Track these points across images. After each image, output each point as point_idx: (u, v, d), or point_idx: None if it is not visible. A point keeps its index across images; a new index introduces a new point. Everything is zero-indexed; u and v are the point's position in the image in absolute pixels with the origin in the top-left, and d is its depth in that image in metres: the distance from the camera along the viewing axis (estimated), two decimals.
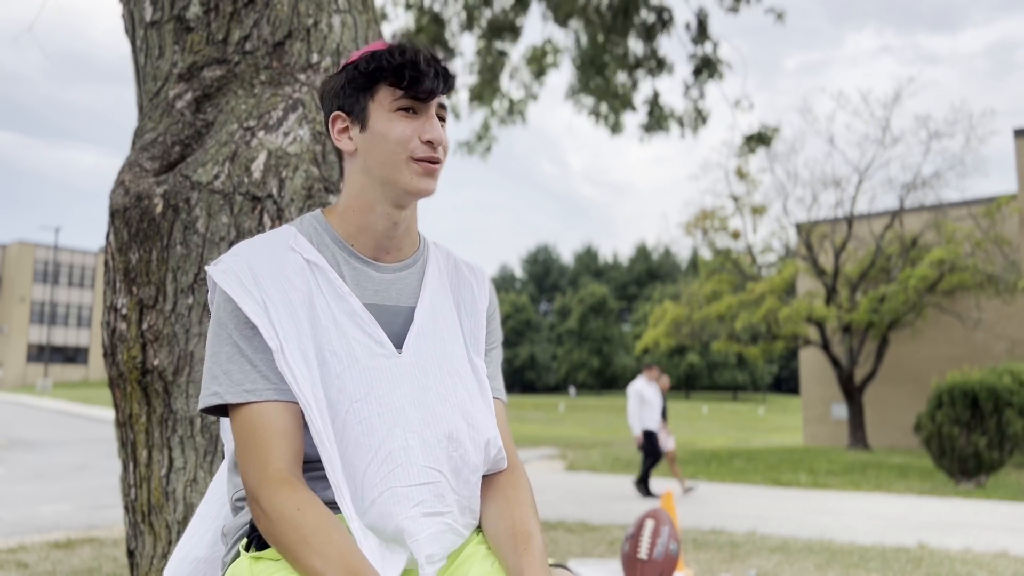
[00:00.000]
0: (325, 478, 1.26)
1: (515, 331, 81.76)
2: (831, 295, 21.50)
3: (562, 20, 8.76)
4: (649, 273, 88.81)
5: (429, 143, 1.30)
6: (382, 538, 1.24)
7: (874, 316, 20.48)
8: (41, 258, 57.16)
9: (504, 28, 9.05)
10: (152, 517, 2.25)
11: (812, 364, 25.41)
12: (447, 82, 1.31)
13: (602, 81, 8.93)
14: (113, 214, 2.28)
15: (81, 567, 5.01)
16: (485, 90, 9.50)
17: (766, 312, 21.09)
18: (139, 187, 2.26)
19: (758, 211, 22.73)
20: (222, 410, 1.27)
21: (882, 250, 21.51)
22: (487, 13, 9.05)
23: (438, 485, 1.27)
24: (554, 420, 35.31)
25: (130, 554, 2.34)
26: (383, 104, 1.30)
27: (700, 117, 8.85)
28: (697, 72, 8.47)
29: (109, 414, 25.16)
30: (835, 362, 21.46)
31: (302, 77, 2.44)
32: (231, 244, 2.23)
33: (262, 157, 2.28)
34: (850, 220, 21.85)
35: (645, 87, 9.70)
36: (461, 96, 9.91)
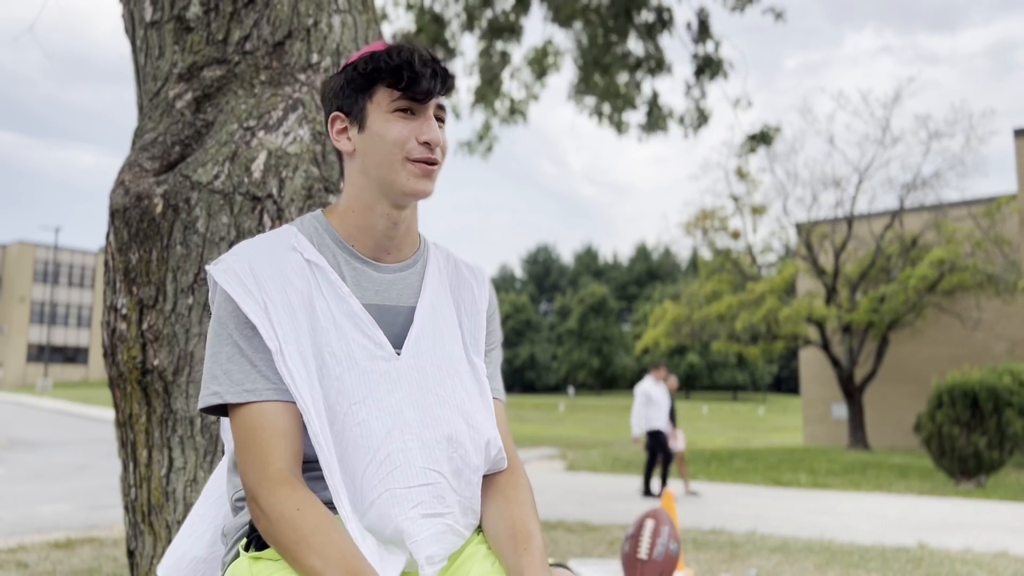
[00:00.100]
0: (323, 479, 1.26)
1: (515, 331, 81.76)
2: (831, 295, 21.50)
3: (563, 21, 8.75)
4: (649, 273, 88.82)
5: (426, 144, 1.29)
6: (381, 539, 1.24)
7: (874, 316, 20.48)
8: (41, 258, 57.17)
9: (505, 29, 9.05)
10: (152, 517, 2.25)
11: (812, 364, 25.41)
12: (445, 83, 1.30)
13: (605, 81, 8.92)
14: (113, 214, 2.28)
15: (81, 567, 5.01)
16: (486, 91, 9.50)
17: (766, 312, 21.09)
18: (139, 187, 2.26)
19: (758, 211, 22.73)
20: (222, 410, 1.27)
21: (882, 250, 21.51)
22: (487, 13, 9.05)
23: (438, 486, 1.27)
24: (554, 420, 35.31)
25: (130, 554, 2.34)
26: (381, 105, 1.30)
27: (702, 116, 8.84)
28: (699, 72, 8.46)
29: (109, 414, 25.17)
30: (835, 362, 21.46)
31: (302, 77, 2.44)
32: (231, 244, 2.23)
33: (262, 157, 2.28)
34: (850, 220, 21.85)
35: (647, 87, 9.74)
36: (462, 96, 9.91)
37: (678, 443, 10.05)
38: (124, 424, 2.32)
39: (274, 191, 2.26)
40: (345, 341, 1.27)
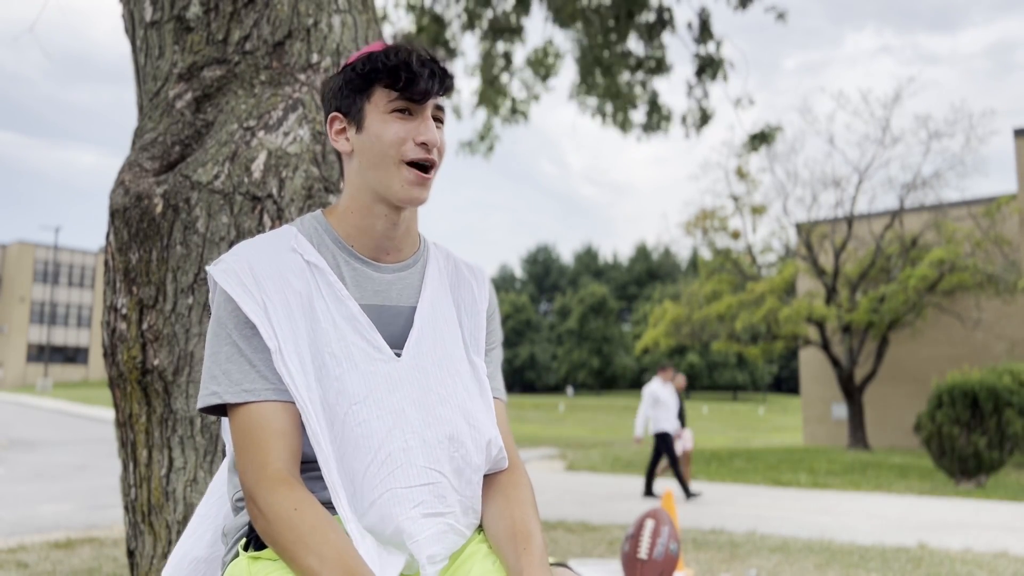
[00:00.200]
0: (322, 478, 1.26)
1: (515, 331, 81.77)
2: (831, 295, 21.50)
3: (564, 21, 8.75)
4: (649, 273, 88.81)
5: (423, 145, 1.29)
6: (381, 539, 1.24)
7: (874, 316, 20.48)
8: (41, 258, 57.17)
9: (506, 30, 9.05)
10: (152, 517, 2.25)
11: (812, 364, 25.41)
12: (443, 83, 1.30)
13: (607, 81, 8.92)
14: (113, 214, 2.28)
15: (81, 567, 5.01)
16: (488, 91, 9.50)
17: (766, 312, 21.09)
18: (139, 187, 2.26)
19: (758, 211, 22.73)
20: (221, 410, 1.27)
21: (882, 250, 21.51)
22: (488, 14, 9.05)
23: (439, 486, 1.27)
24: (554, 420, 35.31)
25: (130, 554, 2.34)
26: (378, 106, 1.30)
27: (704, 116, 8.84)
28: (700, 72, 8.46)
29: (109, 414, 25.17)
30: (835, 362, 21.46)
31: (302, 77, 2.44)
32: (231, 244, 2.23)
33: (262, 157, 2.28)
34: (850, 220, 21.85)
35: (648, 87, 9.69)
36: (464, 96, 9.91)
37: (686, 442, 10.01)
38: (124, 424, 2.32)
39: (274, 191, 2.26)
40: (345, 343, 1.28)
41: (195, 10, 2.44)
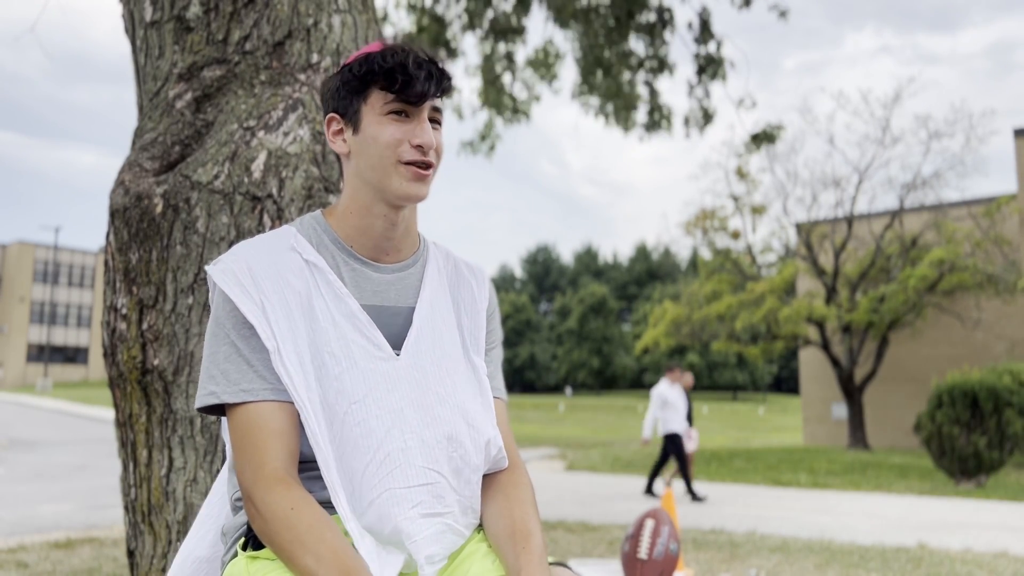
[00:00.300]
0: (322, 478, 1.27)
1: (515, 331, 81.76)
2: (831, 295, 21.50)
3: (564, 21, 8.75)
4: (649, 273, 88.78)
5: (419, 147, 1.28)
6: (380, 539, 1.24)
7: (874, 316, 20.48)
8: (41, 258, 57.18)
9: (507, 30, 9.05)
10: (152, 517, 2.25)
11: (812, 364, 25.41)
12: (440, 85, 1.29)
13: (607, 81, 8.93)
14: (113, 214, 2.28)
15: (81, 567, 5.01)
16: (490, 91, 9.50)
17: (766, 312, 21.09)
18: (139, 187, 2.26)
19: (758, 211, 22.73)
20: (220, 410, 1.27)
21: (882, 250, 21.51)
22: (488, 14, 9.05)
23: (437, 486, 1.27)
24: (554, 420, 35.31)
25: (130, 554, 2.34)
26: (375, 107, 1.29)
27: (706, 116, 8.84)
28: (701, 71, 8.46)
29: (109, 414, 25.17)
30: (835, 362, 21.46)
31: (302, 77, 2.45)
32: (231, 244, 2.23)
33: (262, 157, 2.28)
34: (850, 220, 21.85)
35: (649, 87, 9.68)
36: (465, 96, 9.92)
37: (691, 443, 10.00)
38: (124, 424, 2.32)
39: (274, 191, 2.26)
40: (344, 342, 1.28)
41: (195, 10, 2.44)
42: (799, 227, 22.65)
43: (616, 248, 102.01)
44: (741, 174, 22.44)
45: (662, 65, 8.74)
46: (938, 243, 21.22)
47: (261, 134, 2.31)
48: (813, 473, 13.37)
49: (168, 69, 2.45)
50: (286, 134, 2.34)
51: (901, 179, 23.54)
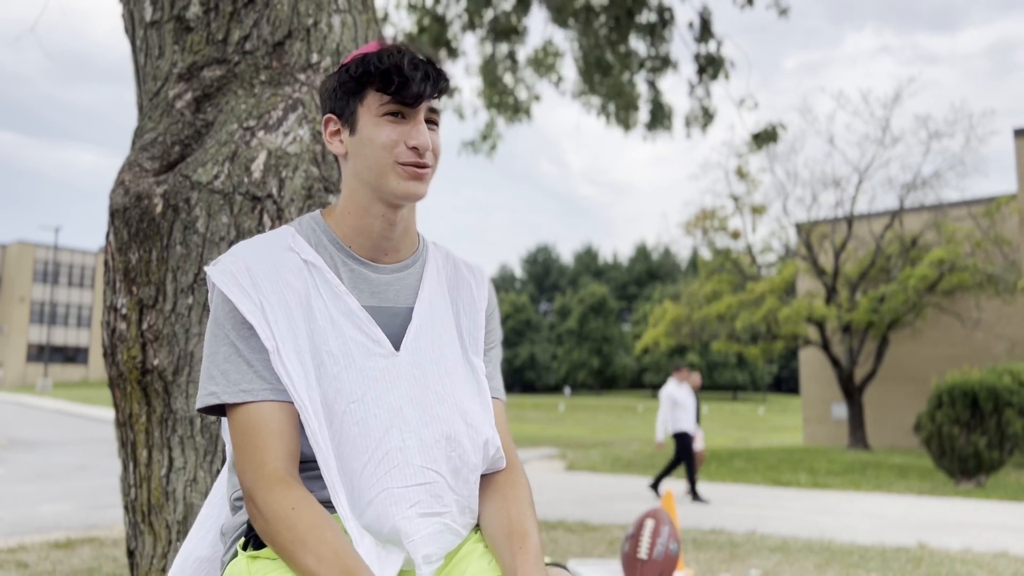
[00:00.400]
0: (322, 478, 1.27)
1: (515, 331, 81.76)
2: (831, 295, 21.50)
3: (563, 21, 8.75)
4: (649, 273, 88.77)
5: (415, 149, 1.28)
6: (379, 538, 1.24)
7: (874, 316, 20.48)
8: (41, 258, 57.18)
9: (508, 30, 9.05)
10: (152, 517, 2.25)
11: (812, 364, 25.41)
12: (437, 86, 1.29)
13: (607, 81, 8.92)
14: (113, 214, 2.29)
15: (81, 567, 5.01)
16: (492, 92, 9.50)
17: (766, 312, 21.09)
18: (139, 187, 2.26)
19: (758, 211, 22.72)
20: (220, 410, 1.27)
21: (882, 250, 21.51)
22: (488, 14, 9.05)
23: (435, 485, 1.27)
24: (554, 420, 35.31)
25: (130, 554, 2.34)
26: (371, 108, 1.29)
27: (707, 116, 8.84)
28: (701, 71, 8.46)
29: (109, 414, 25.17)
30: (835, 362, 21.46)
31: (302, 77, 2.45)
32: (231, 244, 2.23)
33: (262, 157, 2.28)
34: (850, 220, 21.85)
35: (650, 87, 9.66)
36: (466, 96, 9.92)
37: (697, 443, 9.98)
38: (124, 424, 2.32)
39: (274, 191, 2.26)
40: (343, 340, 1.28)
41: (195, 10, 2.44)
42: (799, 227, 22.64)
43: (616, 248, 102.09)
44: (741, 174, 22.43)
45: (665, 63, 8.73)
46: (938, 243, 21.22)
47: (261, 134, 2.31)
48: (813, 473, 13.37)
49: (168, 69, 2.45)
50: (286, 134, 2.34)
51: (901, 179, 23.55)
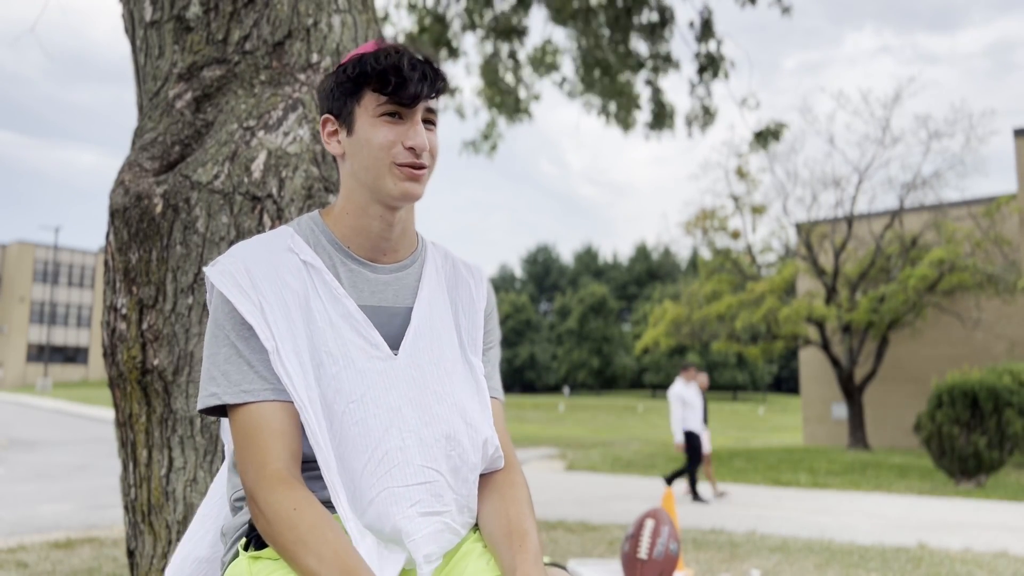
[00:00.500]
0: (323, 478, 1.27)
1: (515, 331, 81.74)
2: (831, 295, 21.50)
3: (563, 21, 8.75)
4: (649, 273, 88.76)
5: (412, 149, 1.28)
6: (380, 538, 1.24)
7: (874, 316, 20.48)
8: (41, 258, 57.17)
9: (509, 30, 9.05)
10: (152, 517, 2.25)
11: (812, 364, 25.41)
12: (434, 86, 1.28)
13: (606, 81, 8.92)
14: (113, 214, 2.29)
15: (81, 567, 5.01)
16: (493, 92, 9.49)
17: (766, 312, 21.09)
18: (139, 187, 2.26)
19: (758, 211, 22.72)
20: (221, 411, 1.27)
21: (882, 250, 21.51)
22: (488, 13, 9.04)
23: (436, 484, 1.27)
24: (554, 420, 35.30)
25: (130, 554, 2.34)
26: (368, 109, 1.29)
27: (708, 115, 8.83)
28: (702, 70, 8.45)
29: (109, 414, 25.17)
30: (835, 362, 21.46)
31: (302, 77, 2.45)
32: (231, 244, 2.23)
33: (262, 157, 2.28)
34: (850, 220, 21.85)
35: (651, 86, 9.65)
36: (467, 96, 9.92)
37: (704, 444, 9.96)
38: (124, 424, 2.32)
39: (274, 191, 2.26)
40: (342, 341, 1.28)
41: (195, 10, 2.44)
42: (799, 227, 22.64)
43: (616, 248, 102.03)
44: (741, 174, 22.43)
45: (665, 62, 8.73)
46: (938, 243, 21.22)
47: (261, 134, 2.31)
48: (813, 473, 13.37)
49: (168, 69, 2.45)
50: (286, 134, 2.34)
51: (901, 179, 23.50)
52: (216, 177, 2.24)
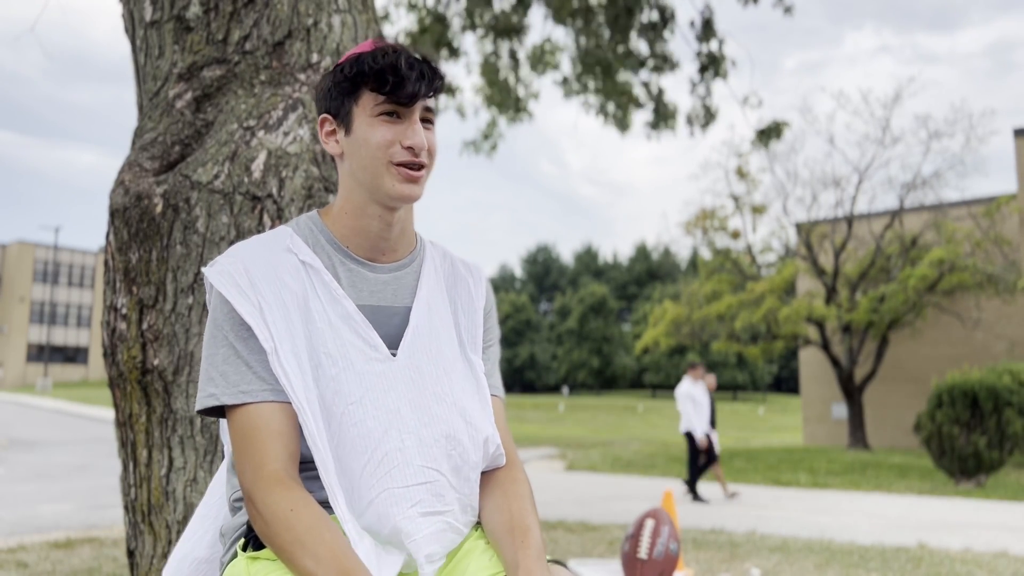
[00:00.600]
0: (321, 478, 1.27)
1: (515, 331, 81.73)
2: (831, 295, 21.50)
3: (562, 19, 8.75)
4: (649, 273, 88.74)
5: (410, 148, 1.28)
6: (379, 539, 1.24)
7: (874, 316, 20.48)
8: (41, 258, 57.17)
9: (509, 30, 9.04)
10: (152, 517, 2.25)
11: (812, 364, 25.41)
12: (432, 86, 1.28)
13: (605, 80, 8.92)
14: (113, 214, 2.28)
15: (81, 567, 5.01)
16: (493, 91, 9.49)
17: (766, 312, 21.09)
18: (139, 187, 2.26)
19: (758, 211, 22.72)
20: (219, 411, 1.27)
21: (882, 250, 21.51)
22: (488, 13, 9.04)
23: (436, 484, 1.27)
24: (554, 420, 35.30)
25: (130, 554, 2.34)
26: (366, 108, 1.28)
27: (709, 114, 8.83)
28: (703, 70, 8.45)
29: (109, 414, 25.17)
30: (835, 362, 21.46)
31: (302, 77, 2.45)
32: (231, 244, 2.23)
33: (262, 157, 2.28)
34: (850, 220, 21.85)
35: (652, 85, 9.65)
36: (467, 96, 9.92)
37: (713, 444, 9.94)
38: (124, 424, 2.32)
39: (274, 191, 2.26)
40: (341, 342, 1.28)
41: (195, 10, 2.44)
42: (799, 227, 22.64)
43: (616, 248, 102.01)
44: (741, 174, 22.43)
45: (665, 62, 8.72)
46: (938, 243, 21.22)
47: (261, 134, 2.31)
48: (813, 473, 13.37)
49: (168, 69, 2.45)
50: (286, 134, 2.34)
51: (901, 179, 23.50)
52: (216, 177, 2.24)
